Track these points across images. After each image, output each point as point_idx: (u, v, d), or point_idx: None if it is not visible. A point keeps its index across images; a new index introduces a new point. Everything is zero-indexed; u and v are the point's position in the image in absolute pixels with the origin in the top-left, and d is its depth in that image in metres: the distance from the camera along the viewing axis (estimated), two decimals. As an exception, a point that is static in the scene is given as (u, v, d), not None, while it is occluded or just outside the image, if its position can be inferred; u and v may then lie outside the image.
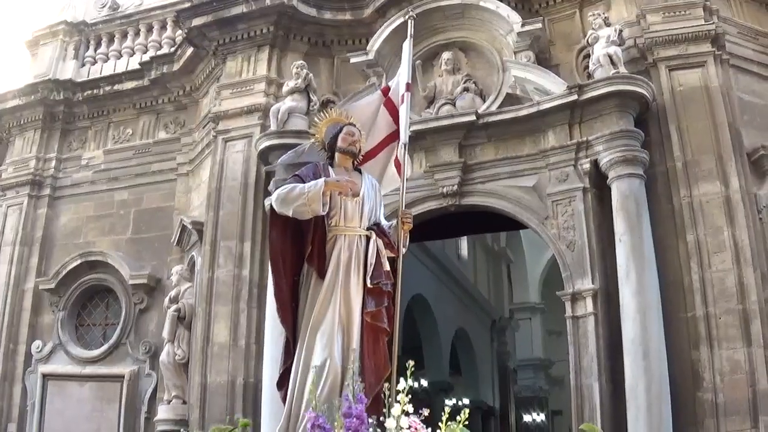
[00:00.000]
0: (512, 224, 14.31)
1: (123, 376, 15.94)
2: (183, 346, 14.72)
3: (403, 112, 7.96)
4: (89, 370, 16.42)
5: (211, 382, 13.81)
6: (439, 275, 23.01)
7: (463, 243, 26.86)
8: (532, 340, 29.48)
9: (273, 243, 7.27)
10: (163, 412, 14.61)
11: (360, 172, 7.65)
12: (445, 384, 23.23)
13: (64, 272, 16.96)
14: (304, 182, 6.98)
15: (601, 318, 12.31)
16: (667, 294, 12.24)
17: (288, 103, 13.99)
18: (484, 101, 13.83)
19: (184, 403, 14.48)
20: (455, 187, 13.47)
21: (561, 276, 13.02)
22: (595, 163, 12.83)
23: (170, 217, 16.52)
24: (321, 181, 6.93)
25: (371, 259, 7.03)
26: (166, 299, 15.17)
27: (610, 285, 12.41)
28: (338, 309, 6.86)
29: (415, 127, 12.48)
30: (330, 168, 7.33)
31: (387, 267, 7.17)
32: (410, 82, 8.42)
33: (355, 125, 7.72)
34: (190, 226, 15.24)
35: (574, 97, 12.87)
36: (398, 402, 5.28)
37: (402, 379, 5.35)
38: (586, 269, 12.51)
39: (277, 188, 7.09)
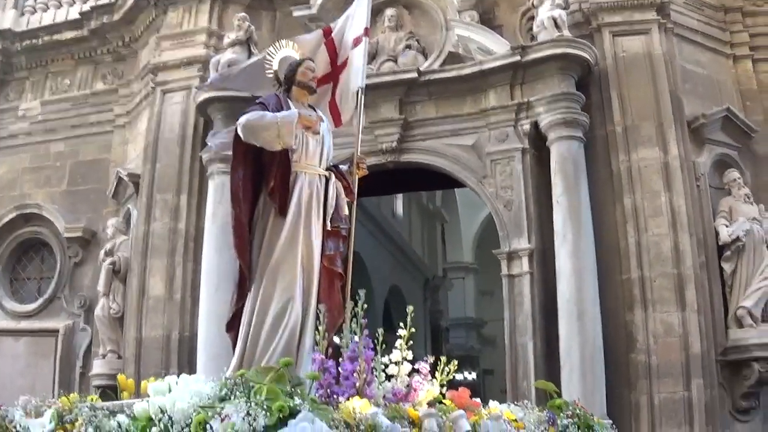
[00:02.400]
0: (450, 182, 14.28)
1: (58, 331, 15.76)
2: (118, 300, 14.57)
3: (361, 56, 7.77)
4: (24, 324, 16.22)
5: (146, 336, 13.72)
6: (374, 233, 22.85)
7: (399, 201, 26.75)
8: (465, 300, 29.58)
9: (234, 171, 6.78)
10: (98, 366, 14.46)
11: (314, 109, 7.33)
12: (377, 340, 22.89)
13: (-1, 225, 16.67)
14: (267, 110, 6.65)
15: (536, 278, 12.39)
16: (603, 256, 12.32)
17: (228, 55, 13.77)
18: (427, 59, 13.73)
19: (119, 357, 14.33)
20: (394, 144, 13.42)
21: (495, 237, 13.07)
22: (535, 125, 12.84)
23: (107, 170, 16.26)
24: (294, 112, 6.62)
25: (332, 201, 6.79)
26: (102, 252, 14.98)
27: (547, 245, 12.48)
28: (300, 250, 6.53)
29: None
30: (289, 101, 7.00)
31: (346, 210, 6.95)
32: (368, 27, 8.25)
33: (313, 61, 7.45)
34: (126, 179, 15.03)
35: (517, 58, 12.84)
36: (398, 348, 5.17)
37: (402, 325, 5.20)
38: (523, 229, 12.54)
39: (243, 114, 6.73)
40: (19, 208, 16.67)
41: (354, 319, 5.26)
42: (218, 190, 13.42)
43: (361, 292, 5.50)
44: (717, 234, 12.67)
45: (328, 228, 6.72)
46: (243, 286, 6.63)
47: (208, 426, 3.36)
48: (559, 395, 6.77)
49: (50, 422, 4.77)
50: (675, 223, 12.17)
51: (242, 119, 6.48)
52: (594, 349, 11.71)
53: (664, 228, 12.18)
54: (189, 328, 13.55)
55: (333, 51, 7.95)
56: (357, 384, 4.78)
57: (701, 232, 12.48)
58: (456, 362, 5.51)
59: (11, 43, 17.74)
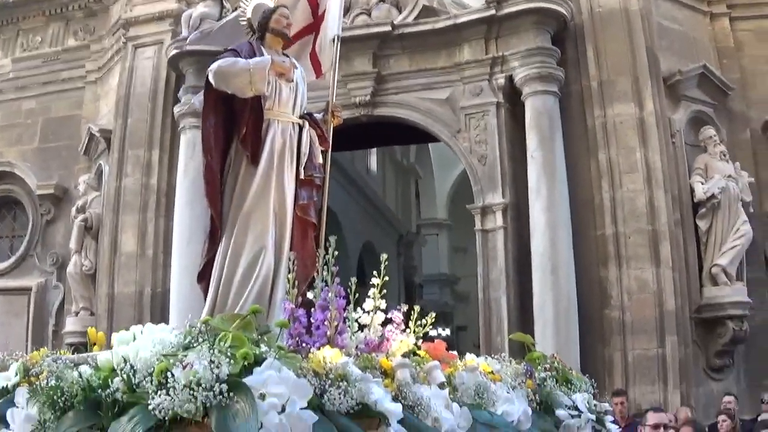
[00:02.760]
0: (424, 137, 14.28)
1: (30, 289, 15.73)
2: (90, 257, 14.49)
3: (337, 4, 7.65)
4: (-4, 282, 16.11)
5: (118, 292, 13.69)
6: (348, 188, 22.75)
7: (373, 157, 26.72)
8: (439, 256, 29.59)
9: (206, 119, 6.50)
10: (70, 324, 14.43)
11: (287, 56, 7.19)
12: (355, 297, 22.91)
13: (-30, 184, 16.53)
14: (240, 57, 6.34)
15: (510, 232, 12.36)
16: (577, 212, 12.31)
17: (200, 9, 13.64)
18: (401, 13, 13.59)
19: (92, 314, 14.27)
20: (368, 98, 13.33)
21: (469, 193, 13.04)
22: (510, 79, 12.75)
23: (78, 126, 16.14)
24: (267, 58, 6.39)
25: (305, 149, 6.65)
26: (73, 209, 14.91)
27: (521, 200, 12.43)
28: (272, 199, 6.31)
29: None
30: (263, 48, 6.85)
31: (320, 159, 6.79)
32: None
33: (287, 8, 7.30)
34: (98, 135, 14.91)
35: (492, 11, 12.73)
36: (371, 297, 5.05)
37: (375, 274, 5.09)
38: (497, 183, 12.50)
39: (215, 60, 6.58)
40: (-10, 166, 16.49)
41: (325, 268, 5.15)
42: (190, 144, 13.33)
43: (332, 239, 5.37)
44: (692, 191, 12.65)
45: (302, 177, 6.59)
46: (214, 235, 6.38)
47: (169, 374, 3.25)
48: (535, 347, 6.68)
49: (15, 375, 4.66)
50: (650, 179, 12.13)
51: (214, 66, 6.23)
52: (568, 304, 11.72)
53: (639, 184, 12.15)
54: (161, 283, 13.52)
55: (314, 1, 7.83)
56: (328, 333, 4.68)
57: (676, 188, 12.45)
58: (433, 315, 5.41)
59: (-19, 2, 17.56)
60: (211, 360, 3.25)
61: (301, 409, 3.32)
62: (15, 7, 17.37)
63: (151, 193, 13.93)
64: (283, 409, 3.26)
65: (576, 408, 5.97)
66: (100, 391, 3.49)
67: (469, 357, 5.28)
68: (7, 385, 4.43)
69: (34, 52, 17.30)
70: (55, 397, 3.57)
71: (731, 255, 12.34)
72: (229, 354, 3.34)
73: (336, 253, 5.13)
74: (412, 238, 29.18)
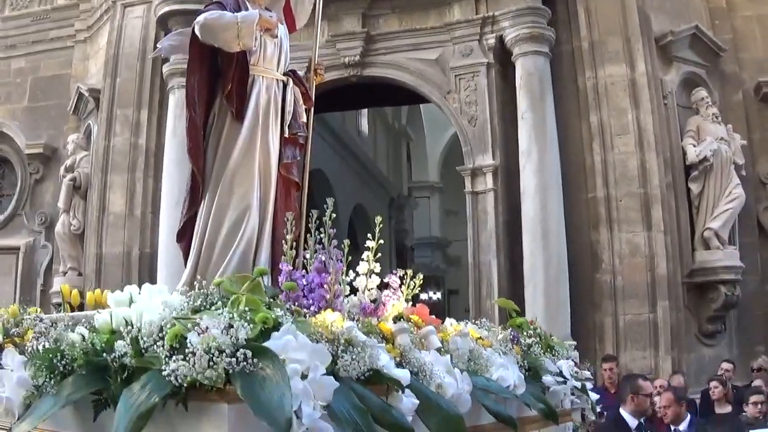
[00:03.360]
0: (414, 98, 14.22)
1: (18, 248, 15.71)
2: (79, 217, 14.45)
3: None
4: (-16, 242, 16.08)
5: (106, 252, 13.63)
6: (339, 151, 22.70)
7: (364, 119, 26.70)
8: (430, 219, 29.62)
9: (190, 73, 6.24)
10: (58, 283, 14.31)
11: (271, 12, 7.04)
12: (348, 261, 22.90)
13: (-42, 143, 16.46)
14: (226, 10, 6.43)
15: (500, 195, 12.34)
16: (568, 174, 12.28)
17: (189, -33, 13.46)
18: (390, -29, 13.44)
19: (80, 274, 14.26)
20: (357, 58, 13.23)
21: (461, 156, 12.95)
22: (501, 39, 12.67)
23: (67, 85, 16.03)
24: (255, 12, 6.13)
25: (290, 107, 6.53)
26: (62, 168, 14.81)
27: (511, 162, 12.38)
28: (257, 157, 6.16)
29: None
30: (247, 2, 6.70)
31: (304, 117, 6.71)
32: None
33: None
34: (86, 94, 14.79)
35: (482, -29, 12.61)
36: (365, 260, 4.97)
37: (370, 237, 5.01)
38: (487, 145, 12.45)
39: (201, 13, 6.41)
40: (-21, 125, 16.41)
41: (321, 230, 5.06)
42: (179, 104, 13.20)
43: (330, 201, 5.29)
44: (684, 154, 12.57)
45: (286, 135, 6.50)
46: (195, 193, 6.13)
47: (187, 339, 3.17)
48: (520, 314, 6.63)
49: None
50: (642, 141, 12.10)
51: (200, 18, 6.00)
52: (558, 268, 11.70)
53: (631, 146, 12.12)
54: (150, 244, 13.48)
55: None
56: (327, 297, 4.62)
57: (668, 151, 12.38)
58: (421, 277, 5.34)
59: (-31, -40, 17.42)
60: (230, 324, 3.17)
61: (322, 375, 3.25)
62: (4, -35, 17.28)
63: (139, 153, 13.84)
64: (304, 376, 3.19)
65: (561, 374, 5.97)
66: (105, 354, 3.38)
67: (450, 322, 5.24)
68: None
69: (23, 11, 17.17)
70: (54, 361, 3.47)
71: (723, 218, 12.29)
72: (248, 318, 3.26)
73: (334, 215, 5.07)
74: (403, 201, 29.18)
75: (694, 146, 12.45)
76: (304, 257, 5.27)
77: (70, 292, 6.67)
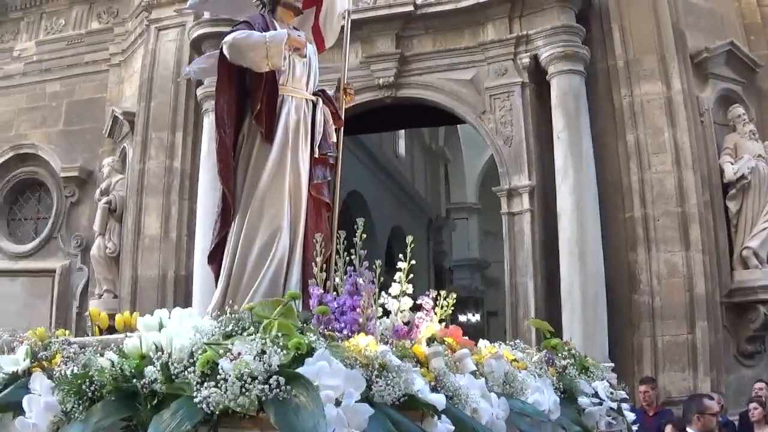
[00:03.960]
0: (449, 119, 14.21)
1: (54, 271, 15.76)
2: (114, 240, 14.53)
3: None
4: (21, 265, 16.22)
5: (142, 275, 13.70)
6: (376, 173, 22.70)
7: (401, 141, 26.62)
8: (469, 241, 29.40)
9: (219, 93, 6.28)
10: (94, 306, 14.38)
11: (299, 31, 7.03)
12: (381, 282, 22.69)
13: (-6, 166, 16.59)
14: (254, 29, 6.13)
15: (537, 215, 12.26)
16: (605, 194, 12.18)
17: (222, -10, 13.52)
18: (423, -8, 13.44)
19: (116, 297, 14.30)
20: (391, 79, 13.23)
21: (498, 177, 12.87)
22: (535, 58, 12.63)
23: (102, 109, 16.16)
24: (284, 32, 6.16)
25: (319, 127, 6.53)
26: (97, 192, 14.91)
27: (547, 182, 12.31)
28: (288, 178, 6.14)
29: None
30: (275, 21, 6.52)
31: (334, 137, 6.69)
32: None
33: None
34: (121, 117, 14.91)
35: (515, -11, 12.60)
36: (397, 281, 4.94)
37: (401, 257, 4.97)
38: (523, 165, 12.39)
39: (229, 33, 6.19)
40: (14, 148, 16.61)
41: (352, 251, 5.03)
42: (213, 126, 13.25)
43: (360, 221, 5.25)
44: (722, 171, 12.43)
45: (316, 155, 6.48)
46: (226, 214, 6.18)
47: (219, 365, 3.14)
48: (554, 335, 6.58)
49: (24, 359, 4.53)
50: (679, 159, 11.98)
51: (228, 38, 6.05)
52: (596, 289, 11.59)
53: (668, 165, 12.01)
54: (185, 266, 13.54)
55: None
56: (360, 320, 4.58)
57: (705, 169, 12.25)
58: (454, 297, 5.29)
59: (4, -16, 17.61)
60: (263, 350, 3.14)
61: (356, 402, 3.22)
62: (38, -10, 17.44)
63: (174, 175, 13.94)
64: (338, 403, 3.16)
65: (596, 396, 5.92)
66: (135, 380, 3.36)
67: (485, 344, 5.20)
68: (17, 371, 4.34)
69: (57, 35, 17.33)
70: (83, 387, 3.44)
71: (762, 237, 12.12)
72: (281, 344, 3.23)
73: (364, 236, 5.03)
74: (441, 223, 29.08)
75: (732, 164, 12.33)
76: (334, 279, 5.23)
77: (99, 314, 6.65)
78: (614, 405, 6.20)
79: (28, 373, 4.25)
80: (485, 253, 28.95)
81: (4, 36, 17.96)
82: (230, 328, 3.50)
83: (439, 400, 3.64)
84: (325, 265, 5.16)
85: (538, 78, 12.69)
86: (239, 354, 3.14)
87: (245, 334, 3.40)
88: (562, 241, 11.82)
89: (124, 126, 14.99)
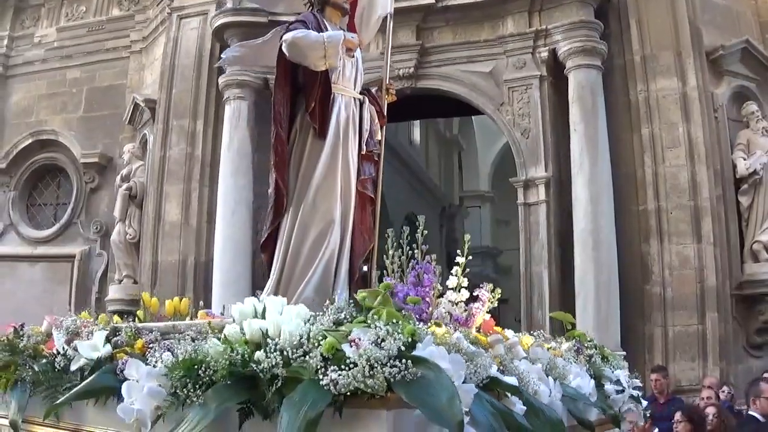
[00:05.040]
0: (467, 110, 14.32)
1: (74, 256, 15.96)
2: (134, 226, 14.71)
3: None
4: (41, 250, 16.44)
5: (162, 261, 13.87)
6: (391, 160, 22.12)
7: (416, 129, 26.73)
8: (481, 229, 29.44)
9: (278, 88, 6.47)
10: (114, 291, 14.64)
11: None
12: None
13: (15, 152, 16.83)
14: (309, 29, 6.32)
15: (552, 206, 12.44)
16: (619, 186, 12.33)
17: (245, -21, 13.69)
18: (445, -15, 13.58)
19: (135, 282, 14.48)
20: (411, 70, 13.39)
21: (512, 165, 13.09)
22: (554, 53, 12.78)
23: (123, 95, 16.32)
24: (341, 33, 6.37)
25: (367, 125, 6.57)
26: (118, 178, 15.09)
27: (563, 174, 12.50)
28: (339, 173, 6.33)
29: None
30: (325, 21, 6.62)
31: (379, 135, 6.79)
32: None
33: None
34: (142, 104, 15.05)
35: (535, -16, 12.75)
36: (454, 275, 5.15)
37: (458, 252, 5.17)
38: (540, 157, 12.56)
39: (288, 31, 6.29)
40: (35, 134, 16.80)
41: (414, 244, 5.25)
42: (234, 115, 13.49)
43: (421, 218, 5.50)
44: (734, 167, 12.58)
45: (363, 152, 6.65)
46: (279, 206, 6.35)
47: (338, 351, 3.33)
48: (575, 326, 6.79)
49: (104, 345, 4.60)
50: (692, 154, 12.13)
51: (288, 36, 6.23)
52: (609, 279, 11.77)
53: (682, 159, 12.14)
54: (205, 252, 13.69)
55: None
56: (429, 309, 4.81)
57: (718, 164, 12.40)
58: (499, 290, 5.54)
59: (26, -29, 17.74)
60: (384, 337, 3.32)
61: (462, 382, 3.40)
62: (59, -24, 17.57)
63: (195, 162, 14.06)
64: None
65: (618, 383, 6.11)
66: (253, 365, 3.49)
67: (510, 333, 5.38)
68: (99, 357, 4.45)
69: (78, 21, 17.51)
70: (200, 372, 3.56)
71: (773, 231, 12.30)
72: (399, 330, 3.40)
73: (426, 232, 5.24)
74: (454, 211, 29.15)
75: (744, 159, 12.48)
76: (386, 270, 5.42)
77: (150, 299, 6.80)
78: (635, 393, 6.38)
79: (110, 358, 4.38)
80: (497, 241, 29.04)
81: (25, 22, 18.11)
82: (342, 315, 3.69)
83: (513, 382, 3.85)
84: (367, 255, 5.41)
85: (556, 72, 12.85)
86: (359, 339, 3.34)
87: (355, 321, 3.60)
88: (577, 231, 12.00)
89: (145, 113, 15.14)
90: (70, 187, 16.55)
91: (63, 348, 4.65)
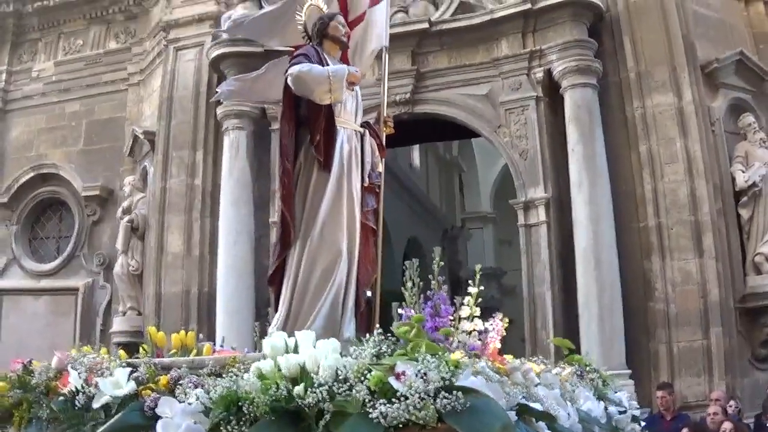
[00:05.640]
0: (465, 133, 14.34)
1: (77, 289, 15.95)
2: (137, 257, 14.74)
3: (383, 14, 7.67)
4: (44, 283, 16.42)
5: (165, 292, 13.89)
6: (391, 184, 21.96)
7: (415, 152, 26.52)
8: (484, 250, 29.18)
9: (285, 121, 6.54)
10: (118, 323, 14.66)
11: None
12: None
13: (16, 186, 16.86)
14: (312, 62, 6.42)
15: (553, 227, 12.45)
16: (619, 204, 12.35)
17: (240, 10, 13.72)
18: (438, 9, 13.71)
19: (139, 314, 14.52)
20: (408, 95, 13.43)
21: (513, 186, 13.07)
22: (549, 73, 12.83)
23: (122, 128, 16.40)
24: (344, 67, 6.49)
25: (368, 157, 6.70)
26: (119, 210, 15.16)
27: (563, 194, 12.51)
28: (345, 205, 6.40)
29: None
30: (324, 54, 6.71)
31: (380, 167, 6.92)
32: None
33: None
34: (142, 136, 15.13)
35: (528, 5, 12.81)
36: (466, 305, 5.21)
37: (470, 282, 5.24)
38: (539, 178, 12.58)
39: (293, 65, 6.41)
40: (35, 168, 16.85)
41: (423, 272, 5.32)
42: (233, 145, 13.57)
43: (436, 249, 5.57)
44: (733, 180, 12.58)
45: (365, 184, 6.70)
46: (286, 239, 6.40)
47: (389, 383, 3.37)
48: (574, 351, 6.84)
49: (127, 382, 4.46)
50: (691, 169, 12.12)
51: (293, 70, 6.32)
52: (612, 297, 11.77)
53: (681, 174, 12.14)
54: (208, 283, 13.71)
55: (344, 8, 7.83)
56: (451, 338, 4.89)
57: (717, 177, 12.40)
58: (507, 320, 5.60)
59: (22, 5, 17.83)
60: (431, 368, 3.35)
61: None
62: (56, 10, 17.65)
63: (196, 193, 14.12)
64: None
65: (620, 404, 6.16)
66: (299, 400, 3.52)
67: (511, 358, 5.43)
68: (125, 395, 4.40)
69: (76, 55, 17.57)
70: (244, 408, 3.58)
71: (774, 243, 12.29)
72: (444, 362, 3.44)
73: (441, 263, 5.29)
74: (456, 233, 29.00)
75: (743, 172, 12.48)
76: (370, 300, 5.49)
77: (156, 332, 6.79)
78: (636, 413, 6.42)
79: (135, 396, 4.39)
80: (501, 261, 28.84)
81: (23, 57, 18.18)
82: (384, 348, 3.72)
83: (538, 407, 3.90)
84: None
85: (552, 92, 12.89)
86: (404, 373, 3.37)
87: (396, 354, 3.64)
88: (578, 251, 12.00)
89: (145, 145, 15.20)
90: (72, 220, 16.56)
91: (81, 386, 4.64)
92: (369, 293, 6.53)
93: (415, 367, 3.38)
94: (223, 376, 4.00)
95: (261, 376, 3.74)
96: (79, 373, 4.74)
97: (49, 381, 5.05)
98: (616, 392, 6.43)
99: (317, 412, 3.48)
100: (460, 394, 3.26)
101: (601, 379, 6.32)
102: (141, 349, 6.34)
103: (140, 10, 16.82)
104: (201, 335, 7.76)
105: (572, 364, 6.26)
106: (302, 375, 3.66)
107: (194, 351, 6.29)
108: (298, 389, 3.52)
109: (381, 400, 3.28)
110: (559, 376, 5.36)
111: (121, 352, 6.73)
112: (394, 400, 3.25)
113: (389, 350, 3.74)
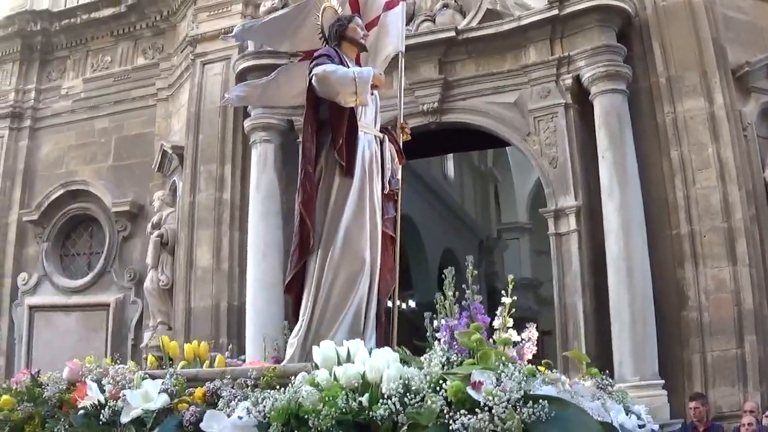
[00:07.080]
0: (495, 141, 14.27)
1: (109, 305, 15.99)
2: (167, 272, 14.76)
3: (398, 19, 7.62)
4: (75, 299, 16.50)
5: (195, 306, 13.90)
6: (426, 196, 22.66)
7: (450, 163, 26.66)
8: (521, 260, 29.06)
9: (308, 123, 6.40)
10: (148, 338, 14.64)
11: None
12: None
13: (47, 203, 16.93)
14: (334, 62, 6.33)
15: (584, 235, 12.30)
16: (650, 211, 12.19)
17: (264, 22, 13.73)
18: (464, 17, 13.63)
19: (170, 328, 14.43)
20: (436, 104, 13.37)
21: (546, 194, 12.94)
22: (577, 79, 12.71)
23: (151, 143, 16.46)
24: (370, 69, 6.36)
25: (388, 163, 6.61)
26: (149, 225, 15.19)
27: (593, 202, 12.36)
28: (367, 212, 6.29)
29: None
30: (346, 58, 6.62)
31: (399, 174, 6.82)
32: (405, -11, 8.11)
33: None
34: (170, 151, 15.19)
35: (555, 11, 12.70)
36: (500, 316, 5.14)
37: (504, 293, 5.17)
38: (569, 186, 12.45)
39: (317, 65, 6.30)
40: (66, 185, 16.92)
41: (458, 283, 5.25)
42: (261, 158, 13.58)
43: (469, 258, 5.48)
44: (766, 185, 12.40)
45: (385, 191, 6.59)
46: (305, 246, 6.24)
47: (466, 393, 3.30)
48: (605, 353, 6.78)
49: (159, 394, 4.39)
50: (723, 175, 11.94)
51: (318, 70, 6.20)
52: (644, 306, 11.59)
53: (713, 180, 11.96)
54: (237, 297, 13.70)
55: (356, 11, 7.74)
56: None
57: (750, 183, 12.21)
58: (535, 329, 5.53)
59: (50, 24, 17.99)
60: (512, 377, 3.29)
61: None
62: (83, 28, 17.78)
63: (224, 207, 14.14)
64: None
65: (640, 417, 6.08)
66: (370, 413, 3.46)
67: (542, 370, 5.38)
68: (156, 410, 4.32)
69: (104, 71, 17.68)
70: (310, 422, 3.52)
71: (808, 249, 12.10)
72: (520, 371, 3.37)
73: (475, 272, 5.22)
74: (492, 244, 28.96)
75: (776, 177, 12.33)
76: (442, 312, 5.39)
77: (169, 342, 6.71)
78: (655, 427, 6.35)
79: (170, 409, 4.31)
80: (537, 272, 28.65)
81: (52, 74, 18.29)
82: (454, 357, 3.65)
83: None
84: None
85: (581, 98, 12.77)
86: (480, 383, 3.29)
87: (466, 363, 3.56)
88: (610, 259, 11.85)
89: (174, 160, 15.26)
90: (103, 236, 16.62)
91: (105, 399, 4.53)
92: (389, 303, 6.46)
93: (490, 376, 3.30)
94: (278, 387, 3.90)
95: (318, 386, 3.65)
96: (102, 386, 4.65)
97: (62, 393, 4.96)
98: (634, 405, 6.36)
99: (391, 424, 3.41)
100: (545, 403, 3.16)
101: (619, 392, 6.25)
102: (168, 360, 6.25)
103: (167, 25, 16.89)
104: (231, 345, 7.70)
105: (591, 377, 6.18)
106: (365, 386, 3.57)
107: (207, 362, 6.21)
108: (364, 400, 3.44)
109: (461, 411, 3.18)
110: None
111: (151, 357, 6.68)
112: (477, 411, 3.16)
113: (458, 359, 3.66)
